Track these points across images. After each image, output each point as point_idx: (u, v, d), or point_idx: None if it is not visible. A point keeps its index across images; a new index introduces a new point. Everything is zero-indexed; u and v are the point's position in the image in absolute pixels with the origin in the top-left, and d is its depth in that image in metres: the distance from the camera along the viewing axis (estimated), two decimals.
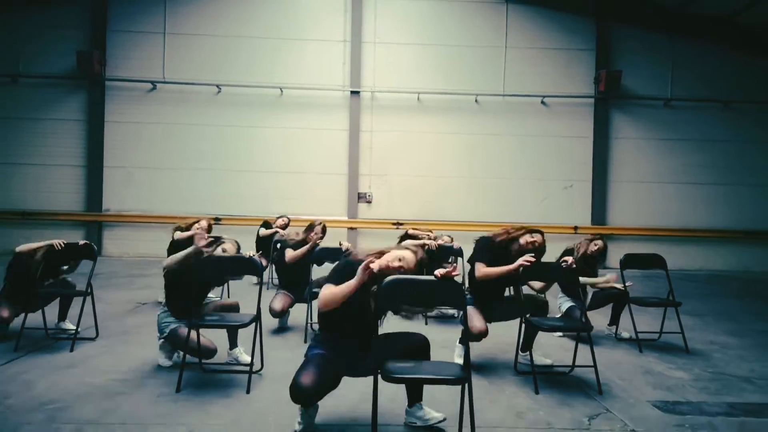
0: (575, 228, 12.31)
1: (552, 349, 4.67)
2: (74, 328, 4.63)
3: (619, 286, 5.08)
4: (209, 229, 5.71)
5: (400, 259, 2.82)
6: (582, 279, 4.87)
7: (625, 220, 12.62)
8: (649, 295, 5.83)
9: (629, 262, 5.16)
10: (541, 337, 4.77)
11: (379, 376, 2.53)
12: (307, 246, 5.22)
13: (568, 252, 5.19)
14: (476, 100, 12.64)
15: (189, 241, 4.91)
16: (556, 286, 4.73)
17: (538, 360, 4.08)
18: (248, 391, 3.48)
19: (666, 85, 12.83)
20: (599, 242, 5.37)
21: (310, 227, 5.48)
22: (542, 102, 12.67)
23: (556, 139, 12.67)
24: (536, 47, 12.75)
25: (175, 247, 5.46)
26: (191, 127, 12.40)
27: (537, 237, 4.08)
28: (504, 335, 4.81)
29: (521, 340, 4.03)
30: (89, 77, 11.95)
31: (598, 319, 5.59)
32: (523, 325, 3.97)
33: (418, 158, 12.56)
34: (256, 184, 12.26)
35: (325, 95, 12.49)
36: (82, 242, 4.69)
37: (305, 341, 4.78)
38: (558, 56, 12.77)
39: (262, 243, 8.22)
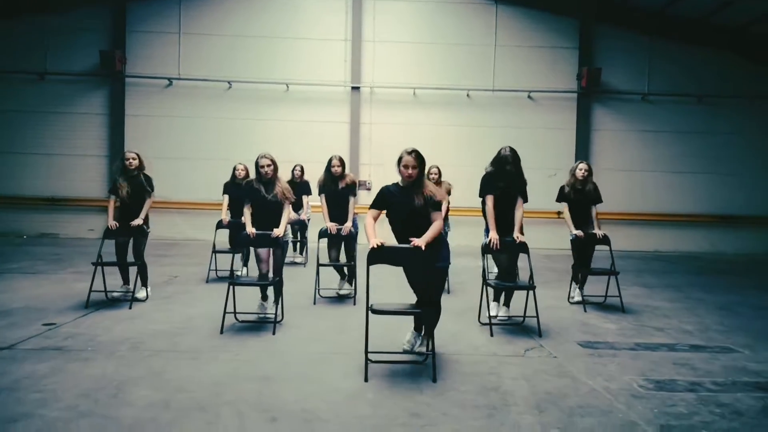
0: (558, 213, 13.35)
1: (514, 307, 5.78)
2: (132, 290, 5.76)
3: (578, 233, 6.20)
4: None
5: (410, 172, 3.92)
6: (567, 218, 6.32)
7: (606, 205, 13.29)
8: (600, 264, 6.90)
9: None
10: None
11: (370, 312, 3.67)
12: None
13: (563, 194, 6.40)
14: (468, 95, 13.64)
15: None
16: None
17: (498, 311, 5.24)
18: (274, 333, 4.63)
19: (643, 80, 13.81)
20: (583, 166, 6.30)
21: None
22: (529, 96, 13.67)
23: (541, 131, 13.69)
24: (524, 45, 13.71)
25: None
26: (204, 120, 13.42)
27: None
28: (476, 296, 5.92)
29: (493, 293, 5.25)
30: (111, 74, 12.97)
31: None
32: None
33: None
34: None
35: (328, 90, 13.50)
36: (134, 223, 5.80)
37: (314, 303, 5.92)
38: (544, 54, 13.74)
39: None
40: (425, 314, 3.93)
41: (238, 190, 7.43)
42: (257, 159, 5.22)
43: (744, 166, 13.86)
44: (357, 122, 13.47)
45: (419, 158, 3.97)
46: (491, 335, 4.71)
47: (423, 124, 13.63)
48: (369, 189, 13.53)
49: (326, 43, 13.51)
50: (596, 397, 3.37)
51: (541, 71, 13.71)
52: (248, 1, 13.42)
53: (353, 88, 13.43)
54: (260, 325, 4.93)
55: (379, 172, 13.50)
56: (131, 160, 6.00)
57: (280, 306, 4.94)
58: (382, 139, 13.51)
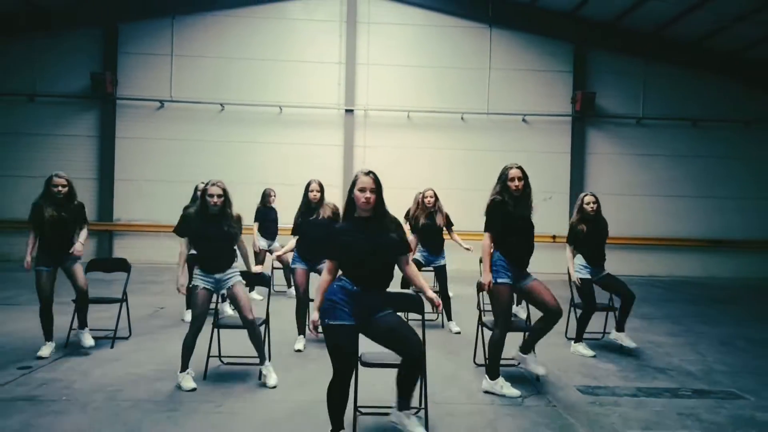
0: (554, 237, 13.24)
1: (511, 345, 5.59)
2: (92, 344, 5.30)
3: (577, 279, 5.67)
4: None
5: (368, 195, 3.20)
6: (569, 260, 5.72)
7: None
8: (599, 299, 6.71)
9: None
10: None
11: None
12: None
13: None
14: (462, 118, 13.59)
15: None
16: None
17: (534, 369, 4.48)
18: (260, 377, 4.42)
19: (638, 104, 13.81)
20: (589, 198, 5.66)
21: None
22: (523, 120, 13.63)
23: (536, 154, 13.60)
24: (518, 69, 13.72)
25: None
26: (196, 143, 13.29)
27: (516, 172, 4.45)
28: (472, 329, 5.73)
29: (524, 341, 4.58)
30: (102, 96, 12.82)
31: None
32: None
33: (409, 172, 13.47)
34: (256, 196, 13.10)
35: (322, 113, 13.41)
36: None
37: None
38: (538, 77, 13.73)
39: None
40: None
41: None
42: (206, 186, 4.45)
43: (738, 190, 13.83)
44: (351, 145, 13.38)
45: (377, 182, 3.27)
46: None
47: (417, 147, 13.56)
48: None
49: (320, 65, 13.47)
50: None
51: (535, 94, 13.71)
52: (241, 23, 13.38)
53: (347, 110, 13.36)
54: (246, 369, 4.71)
55: None
56: (60, 188, 5.21)
57: (267, 345, 4.73)
58: (377, 162, 13.36)
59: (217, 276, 4.42)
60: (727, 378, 4.83)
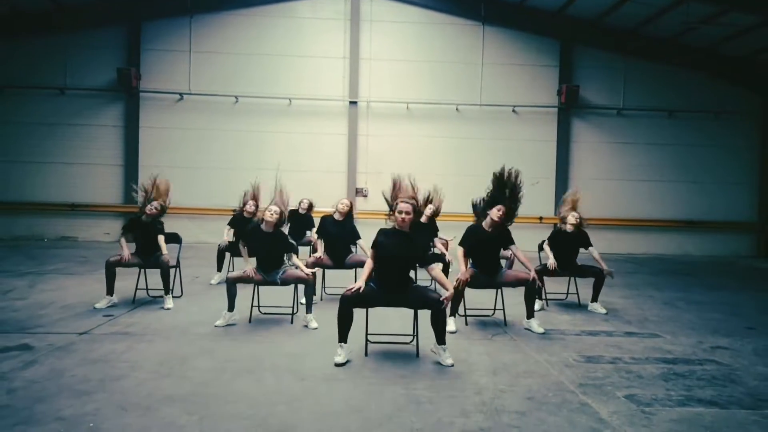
0: (540, 218, 14.57)
1: (483, 301, 6.91)
2: (172, 306, 6.53)
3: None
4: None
5: (404, 217, 4.45)
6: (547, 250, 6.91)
7: (583, 211, 14.78)
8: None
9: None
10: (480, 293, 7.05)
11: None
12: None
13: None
14: (457, 109, 14.82)
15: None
16: None
17: (536, 329, 5.72)
18: (292, 322, 5.77)
19: (619, 96, 15.05)
20: (573, 215, 6.99)
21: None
22: (513, 111, 14.87)
23: (524, 143, 14.88)
24: (508, 63, 14.93)
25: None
26: (213, 132, 14.55)
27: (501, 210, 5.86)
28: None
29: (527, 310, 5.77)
30: (127, 90, 14.05)
31: None
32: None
33: (408, 158, 14.73)
34: (268, 181, 14.37)
35: (328, 105, 14.65)
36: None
37: (321, 299, 7.03)
38: (527, 71, 14.95)
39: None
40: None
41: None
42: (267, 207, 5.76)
43: (710, 176, 15.12)
44: (355, 134, 14.62)
45: (414, 208, 4.51)
46: (466, 323, 5.86)
47: (415, 136, 14.79)
48: (366, 196, 14.68)
49: (326, 60, 14.67)
50: (539, 366, 4.52)
51: (524, 87, 14.93)
52: (254, 21, 14.55)
53: (351, 102, 14.59)
54: (279, 317, 6.04)
55: (375, 179, 14.65)
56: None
57: (296, 301, 6.05)
58: (378, 149, 14.68)
59: (271, 272, 5.71)
60: (655, 325, 6.16)
